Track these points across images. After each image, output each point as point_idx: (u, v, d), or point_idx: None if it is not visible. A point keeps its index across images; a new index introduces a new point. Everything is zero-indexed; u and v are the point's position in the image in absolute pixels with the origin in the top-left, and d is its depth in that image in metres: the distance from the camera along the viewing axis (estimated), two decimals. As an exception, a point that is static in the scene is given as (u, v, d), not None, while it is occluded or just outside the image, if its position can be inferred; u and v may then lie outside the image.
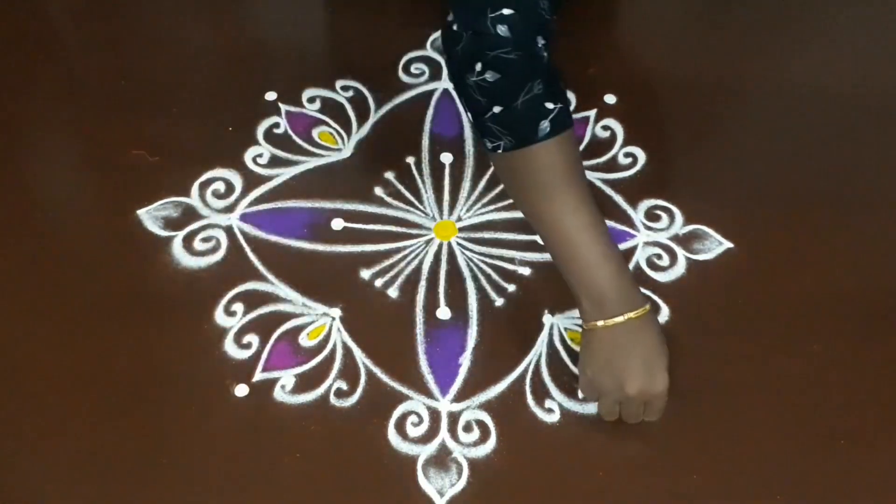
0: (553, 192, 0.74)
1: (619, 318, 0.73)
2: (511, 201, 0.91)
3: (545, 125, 0.73)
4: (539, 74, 0.73)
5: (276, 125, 0.97)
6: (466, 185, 0.94)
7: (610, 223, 0.90)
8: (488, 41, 0.72)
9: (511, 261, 0.89)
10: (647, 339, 0.74)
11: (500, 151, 0.75)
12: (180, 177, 0.93)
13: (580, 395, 0.80)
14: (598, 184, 0.94)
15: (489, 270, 0.88)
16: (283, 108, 0.99)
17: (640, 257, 0.89)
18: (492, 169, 0.94)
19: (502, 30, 0.72)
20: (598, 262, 0.74)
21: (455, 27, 0.74)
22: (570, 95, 1.00)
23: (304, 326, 0.84)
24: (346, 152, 0.96)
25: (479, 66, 0.72)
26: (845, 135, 0.99)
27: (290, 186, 0.93)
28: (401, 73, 1.02)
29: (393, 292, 0.86)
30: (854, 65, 1.05)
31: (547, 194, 0.75)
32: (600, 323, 0.74)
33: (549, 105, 0.73)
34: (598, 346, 0.74)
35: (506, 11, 0.71)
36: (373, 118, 0.98)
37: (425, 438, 0.78)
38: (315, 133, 0.97)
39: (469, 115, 0.76)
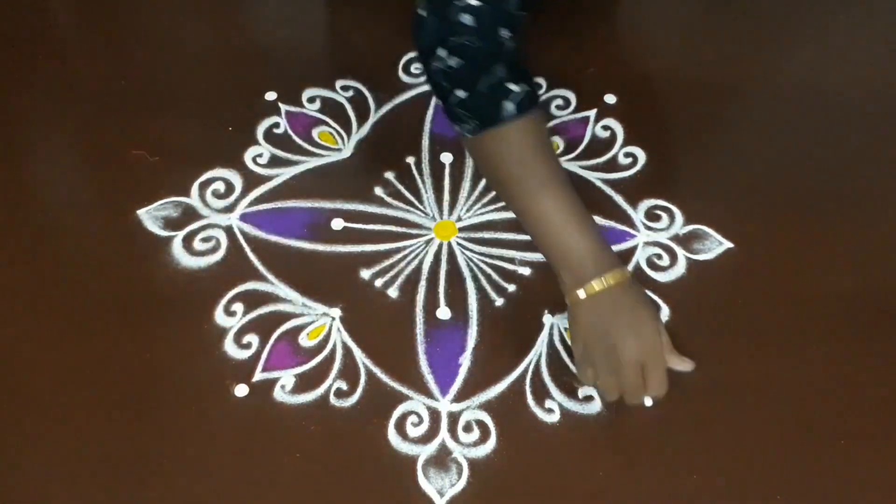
0: (523, 171, 0.76)
1: (601, 285, 0.74)
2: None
3: (510, 107, 0.74)
4: (501, 59, 0.75)
5: (276, 125, 0.97)
6: (466, 185, 0.94)
7: (610, 223, 0.91)
8: (452, 28, 0.74)
9: (511, 261, 0.89)
10: (631, 301, 0.75)
11: (468, 135, 0.77)
12: (180, 177, 0.93)
13: (576, 372, 0.79)
14: (598, 184, 0.94)
15: (489, 270, 0.88)
16: (283, 108, 0.99)
17: (640, 257, 0.89)
18: (492, 169, 0.94)
19: (467, 19, 0.73)
20: (573, 233, 0.75)
21: (423, 13, 0.75)
22: (570, 95, 1.00)
23: (304, 326, 0.84)
24: (346, 152, 0.96)
25: (442, 52, 0.74)
26: (845, 135, 0.99)
27: (290, 186, 0.93)
28: (401, 73, 1.02)
29: (393, 292, 0.86)
30: (854, 65, 1.05)
31: (517, 173, 0.76)
32: (582, 294, 0.74)
33: (513, 87, 0.74)
34: (585, 316, 0.75)
35: (472, 2, 0.73)
36: (373, 118, 0.98)
37: (425, 438, 0.78)
38: (315, 133, 0.97)
39: (438, 99, 0.79)
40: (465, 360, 0.83)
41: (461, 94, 0.75)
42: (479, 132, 0.76)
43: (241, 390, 0.80)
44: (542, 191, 0.76)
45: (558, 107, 1.00)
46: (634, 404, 0.77)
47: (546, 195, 0.76)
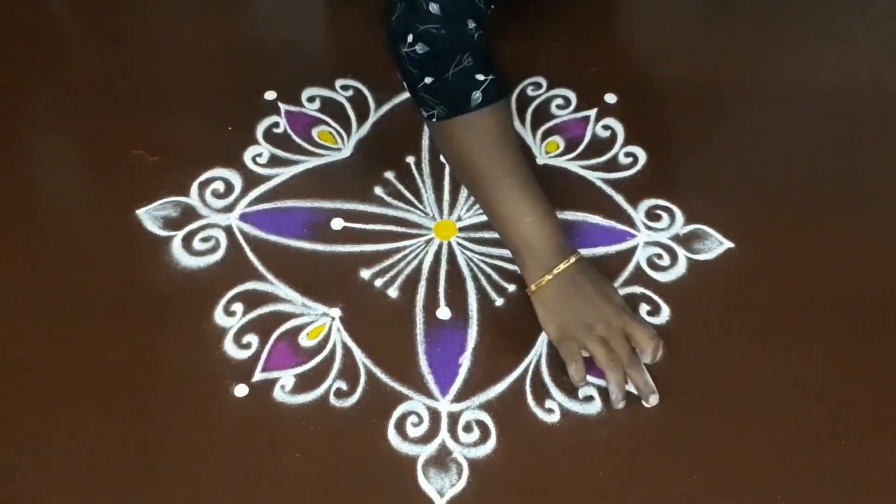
0: (486, 159, 0.80)
1: (562, 266, 0.79)
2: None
3: (477, 95, 0.77)
4: (468, 49, 0.77)
5: (276, 125, 0.97)
6: (466, 184, 0.93)
7: (610, 223, 0.91)
8: (420, 16, 0.76)
9: (511, 260, 0.88)
10: (590, 276, 0.81)
11: (434, 120, 0.80)
12: (180, 176, 0.93)
13: (560, 352, 0.80)
14: (599, 184, 0.94)
15: (489, 270, 0.88)
16: (283, 107, 0.99)
17: (640, 257, 0.89)
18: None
19: (434, 8, 0.76)
20: (537, 222, 0.79)
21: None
22: (570, 95, 1.00)
23: (303, 326, 0.84)
24: (346, 152, 0.96)
25: (410, 38, 0.77)
26: (845, 135, 0.99)
27: (290, 186, 0.93)
28: (401, 73, 1.02)
29: (393, 292, 0.86)
30: (854, 65, 1.05)
31: (480, 161, 0.80)
32: (546, 277, 0.79)
33: (480, 77, 0.77)
34: (552, 296, 0.79)
35: None
36: (373, 118, 0.98)
37: (425, 438, 0.78)
38: (315, 133, 0.97)
39: (404, 84, 0.81)
40: (465, 360, 0.82)
41: (429, 80, 0.78)
42: (444, 119, 0.79)
43: (241, 390, 0.80)
44: (504, 180, 0.79)
45: (558, 106, 0.99)
46: (637, 375, 0.78)
47: (508, 185, 0.79)
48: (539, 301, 0.81)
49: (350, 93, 1.00)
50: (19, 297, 0.86)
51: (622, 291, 0.85)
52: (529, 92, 1.01)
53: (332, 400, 0.80)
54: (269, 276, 0.87)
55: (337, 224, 0.90)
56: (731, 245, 0.90)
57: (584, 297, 0.79)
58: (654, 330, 0.80)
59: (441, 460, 0.77)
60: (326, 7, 1.11)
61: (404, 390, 0.81)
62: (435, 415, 0.80)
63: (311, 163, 0.95)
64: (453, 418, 0.79)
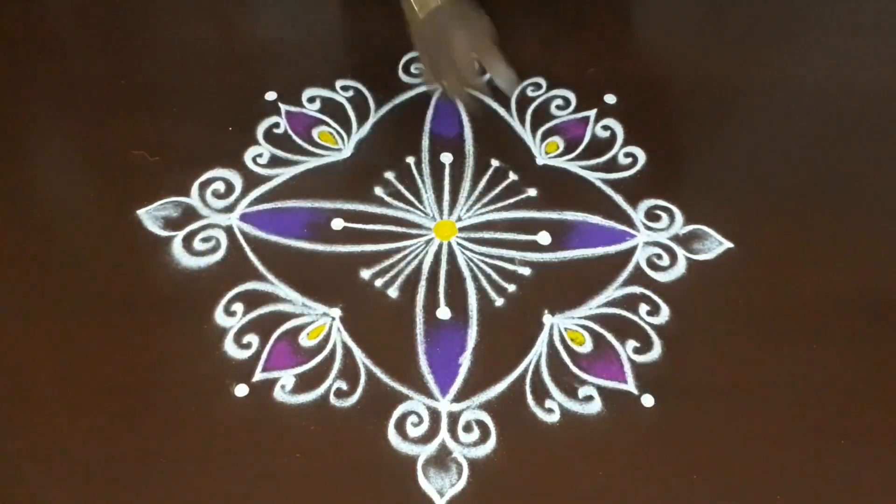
0: None
1: (432, 4, 0.86)
2: (512, 202, 0.92)
3: None
4: None
5: (276, 125, 0.97)
6: (466, 185, 0.94)
7: (610, 223, 0.91)
8: None
9: (511, 261, 0.89)
10: (463, 10, 0.86)
11: None
12: (180, 177, 0.93)
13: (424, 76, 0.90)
14: (598, 184, 0.94)
15: (489, 270, 0.88)
16: (283, 107, 0.99)
17: (640, 257, 0.89)
18: (492, 169, 0.94)
19: None
20: None
21: None
22: (570, 95, 1.00)
23: (304, 326, 0.84)
24: (346, 152, 0.96)
25: None
26: (845, 135, 0.99)
27: (290, 186, 0.93)
28: (401, 73, 1.02)
29: (393, 292, 0.86)
30: (854, 65, 1.05)
31: None
32: (420, 12, 0.86)
33: None
34: (427, 29, 0.87)
35: None
36: (373, 118, 0.98)
37: (425, 438, 0.78)
38: (315, 133, 0.97)
39: None
40: (465, 360, 0.83)
41: None
42: None
43: (241, 390, 0.80)
44: None
45: (558, 107, 1.00)
46: (473, 84, 0.89)
47: None
48: (414, 36, 0.90)
49: (350, 93, 1.00)
50: (19, 297, 0.86)
51: (621, 291, 0.85)
52: (529, 92, 1.01)
53: (333, 400, 0.80)
54: (270, 277, 0.87)
55: (337, 224, 0.90)
56: (731, 245, 0.90)
57: (450, 25, 0.86)
58: (507, 65, 0.86)
59: (441, 460, 0.77)
60: (327, 7, 1.11)
61: (404, 390, 0.81)
62: (435, 415, 0.80)
63: (312, 163, 0.95)
64: (453, 418, 0.79)
